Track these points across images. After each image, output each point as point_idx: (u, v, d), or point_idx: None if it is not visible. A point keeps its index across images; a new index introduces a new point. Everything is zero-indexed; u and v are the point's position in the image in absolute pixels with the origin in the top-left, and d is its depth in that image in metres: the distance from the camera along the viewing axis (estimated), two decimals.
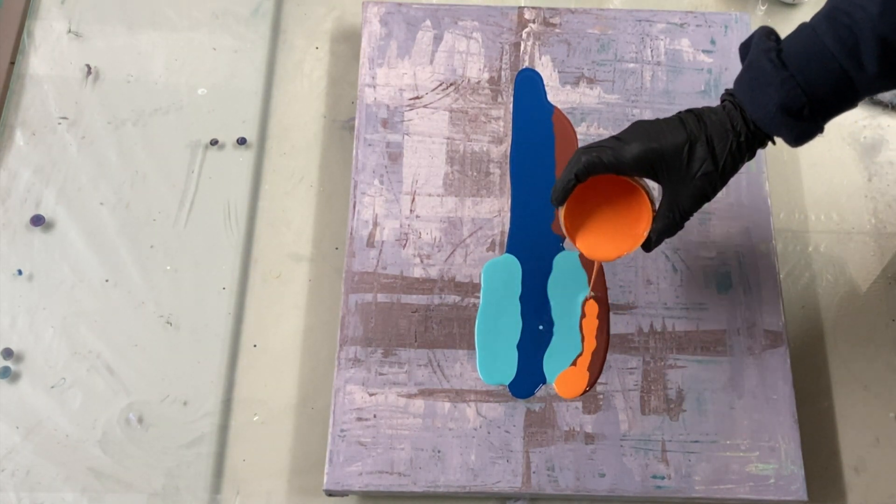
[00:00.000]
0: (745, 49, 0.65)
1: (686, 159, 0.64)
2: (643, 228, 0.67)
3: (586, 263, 0.80)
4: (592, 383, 0.77)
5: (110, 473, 0.76)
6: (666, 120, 0.65)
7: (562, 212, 0.67)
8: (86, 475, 0.76)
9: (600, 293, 0.80)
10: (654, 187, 0.68)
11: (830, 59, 0.60)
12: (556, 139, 0.86)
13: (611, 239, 0.69)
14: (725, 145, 0.64)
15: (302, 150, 0.89)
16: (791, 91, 0.61)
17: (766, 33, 0.63)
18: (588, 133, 0.86)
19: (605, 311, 0.79)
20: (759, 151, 0.85)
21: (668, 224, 0.66)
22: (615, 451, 0.75)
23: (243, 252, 0.85)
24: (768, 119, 0.63)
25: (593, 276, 0.78)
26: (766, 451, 0.75)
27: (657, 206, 0.67)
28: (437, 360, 0.77)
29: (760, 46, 0.63)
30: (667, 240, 0.81)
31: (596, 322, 0.79)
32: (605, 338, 0.78)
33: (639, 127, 0.65)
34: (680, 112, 0.66)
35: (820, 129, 0.64)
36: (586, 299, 0.79)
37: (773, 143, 0.66)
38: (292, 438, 0.78)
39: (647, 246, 0.68)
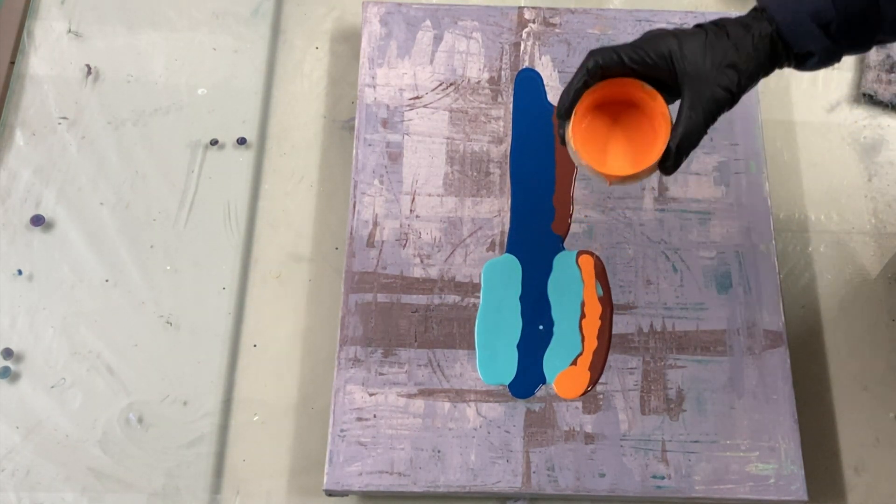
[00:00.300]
0: None
1: (708, 52, 0.60)
2: (662, 142, 0.60)
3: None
4: (593, 383, 0.77)
5: (110, 473, 0.76)
6: (675, 29, 0.63)
7: (569, 128, 0.62)
8: (86, 475, 0.76)
9: (604, 293, 0.80)
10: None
11: None
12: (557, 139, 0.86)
13: (627, 156, 0.63)
14: (749, 41, 0.60)
15: (302, 150, 0.89)
16: (823, 2, 0.59)
17: None
18: None
19: (608, 311, 0.79)
20: (758, 152, 0.85)
21: (689, 126, 0.60)
22: (615, 451, 0.75)
23: (243, 252, 0.85)
24: (798, 26, 0.60)
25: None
26: (766, 451, 0.75)
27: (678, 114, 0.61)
28: (437, 360, 0.77)
29: None
30: (665, 240, 0.81)
31: (598, 322, 0.79)
32: (606, 338, 0.78)
33: (653, 31, 0.62)
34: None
35: (839, 57, 0.62)
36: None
37: (791, 63, 0.62)
38: (292, 438, 0.78)
39: (666, 161, 0.61)
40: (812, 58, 0.62)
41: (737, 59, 0.60)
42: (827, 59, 0.62)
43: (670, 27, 0.63)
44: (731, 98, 0.61)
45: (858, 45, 0.62)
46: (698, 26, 0.62)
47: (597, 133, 0.63)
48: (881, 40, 0.62)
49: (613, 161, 0.63)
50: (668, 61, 0.60)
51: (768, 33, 0.61)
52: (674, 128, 0.60)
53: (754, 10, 0.62)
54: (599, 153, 0.63)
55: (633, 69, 0.61)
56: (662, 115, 0.61)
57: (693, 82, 0.60)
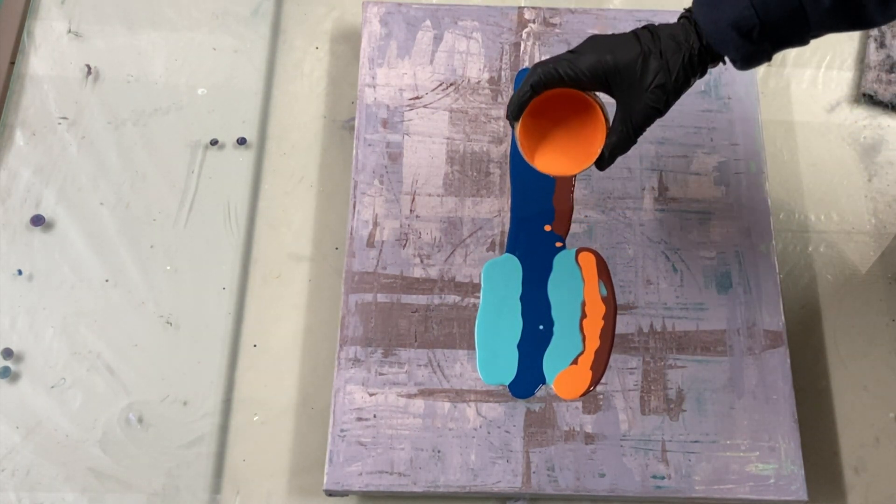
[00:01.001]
0: None
1: (640, 71, 0.65)
2: (598, 145, 0.68)
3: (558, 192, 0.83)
4: (595, 383, 0.77)
5: (110, 473, 0.76)
6: (621, 34, 0.67)
7: (518, 129, 0.68)
8: (86, 475, 0.76)
9: (608, 293, 0.80)
10: (610, 104, 0.68)
11: None
12: None
13: (567, 155, 0.70)
14: (679, 59, 0.65)
15: (302, 150, 0.89)
16: (745, 11, 0.62)
17: None
18: None
19: (611, 310, 0.79)
20: (758, 152, 0.85)
21: (621, 138, 0.67)
22: (615, 451, 0.75)
23: (243, 252, 0.85)
24: (718, 35, 0.64)
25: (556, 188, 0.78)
26: (766, 451, 0.75)
27: (612, 122, 0.68)
28: (437, 360, 0.77)
29: None
30: (665, 240, 0.81)
31: (601, 322, 0.79)
32: (609, 337, 0.78)
33: (594, 40, 0.66)
34: (636, 28, 0.67)
35: (767, 56, 0.65)
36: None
37: (724, 63, 0.67)
38: (292, 438, 0.78)
39: (601, 163, 0.68)
40: (735, 62, 0.66)
41: (666, 81, 0.65)
42: (752, 60, 0.65)
43: (614, 32, 0.68)
44: (659, 113, 0.66)
45: (788, 43, 0.65)
46: (636, 36, 0.66)
47: (542, 129, 0.70)
48: (816, 35, 0.64)
49: (554, 159, 0.70)
50: (602, 79, 0.65)
51: (698, 48, 0.65)
52: (608, 136, 0.67)
53: (685, 16, 0.66)
54: (544, 151, 0.70)
55: (571, 84, 0.66)
56: (599, 121, 0.68)
57: (625, 99, 0.66)
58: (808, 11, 0.62)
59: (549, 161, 0.70)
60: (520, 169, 0.84)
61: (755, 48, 0.64)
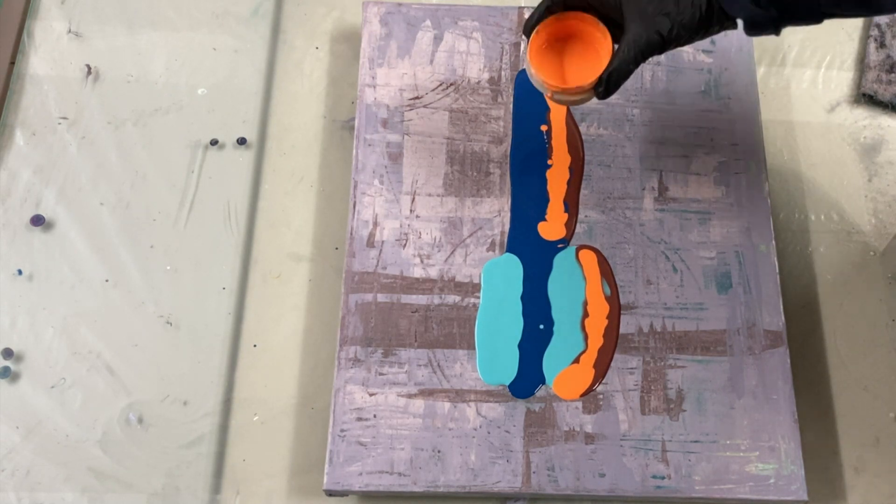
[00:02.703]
0: None
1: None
2: (601, 69, 0.70)
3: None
4: (597, 382, 0.77)
5: (110, 473, 0.76)
6: None
7: (529, 47, 0.71)
8: (86, 475, 0.76)
9: (611, 292, 0.80)
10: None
11: None
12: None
13: (570, 76, 0.72)
14: None
15: (302, 150, 0.89)
16: None
17: None
18: (588, 133, 0.86)
19: (615, 310, 0.79)
20: (758, 152, 0.85)
21: (622, 61, 0.67)
22: (615, 451, 0.75)
23: (243, 252, 0.85)
24: None
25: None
26: (766, 451, 0.75)
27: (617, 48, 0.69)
28: (437, 360, 0.77)
29: None
30: (665, 240, 0.81)
31: (605, 321, 0.79)
32: (614, 336, 0.78)
33: None
34: None
35: (774, 25, 0.65)
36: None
37: (724, 25, 0.67)
38: (292, 438, 0.78)
39: (598, 87, 0.69)
40: (744, 23, 0.66)
41: (673, 10, 0.65)
42: (756, 25, 0.65)
43: None
44: (661, 40, 0.66)
45: (795, 14, 0.64)
46: None
47: (551, 55, 0.73)
48: (827, 12, 0.64)
49: (556, 73, 0.72)
50: (616, 2, 0.67)
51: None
52: (610, 60, 0.68)
53: None
54: (550, 69, 0.72)
55: (589, 3, 0.69)
56: (607, 49, 0.70)
57: (632, 23, 0.67)
58: None
59: (551, 74, 0.71)
60: (520, 169, 0.84)
61: (762, 15, 0.64)
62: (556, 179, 0.84)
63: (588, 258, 0.81)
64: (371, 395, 0.76)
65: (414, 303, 0.79)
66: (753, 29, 0.66)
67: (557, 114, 0.87)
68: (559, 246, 0.81)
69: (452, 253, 0.81)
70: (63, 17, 0.94)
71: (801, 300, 0.85)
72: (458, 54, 0.89)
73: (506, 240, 0.82)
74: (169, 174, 0.87)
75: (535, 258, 0.81)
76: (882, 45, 0.96)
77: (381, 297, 0.79)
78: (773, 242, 0.82)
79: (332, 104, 0.92)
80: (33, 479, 0.75)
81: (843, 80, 0.95)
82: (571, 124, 0.86)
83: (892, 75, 0.94)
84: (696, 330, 0.79)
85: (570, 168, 0.84)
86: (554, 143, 0.85)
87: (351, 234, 0.81)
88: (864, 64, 0.95)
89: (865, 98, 0.94)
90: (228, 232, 0.85)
